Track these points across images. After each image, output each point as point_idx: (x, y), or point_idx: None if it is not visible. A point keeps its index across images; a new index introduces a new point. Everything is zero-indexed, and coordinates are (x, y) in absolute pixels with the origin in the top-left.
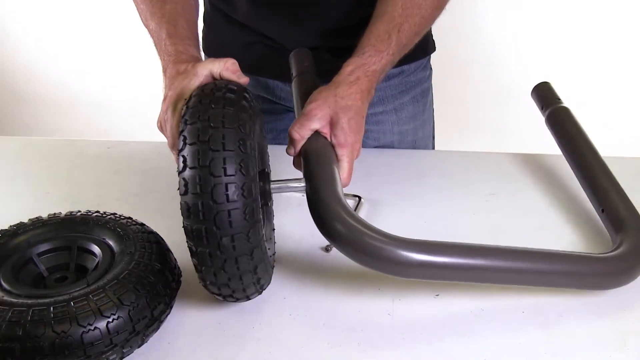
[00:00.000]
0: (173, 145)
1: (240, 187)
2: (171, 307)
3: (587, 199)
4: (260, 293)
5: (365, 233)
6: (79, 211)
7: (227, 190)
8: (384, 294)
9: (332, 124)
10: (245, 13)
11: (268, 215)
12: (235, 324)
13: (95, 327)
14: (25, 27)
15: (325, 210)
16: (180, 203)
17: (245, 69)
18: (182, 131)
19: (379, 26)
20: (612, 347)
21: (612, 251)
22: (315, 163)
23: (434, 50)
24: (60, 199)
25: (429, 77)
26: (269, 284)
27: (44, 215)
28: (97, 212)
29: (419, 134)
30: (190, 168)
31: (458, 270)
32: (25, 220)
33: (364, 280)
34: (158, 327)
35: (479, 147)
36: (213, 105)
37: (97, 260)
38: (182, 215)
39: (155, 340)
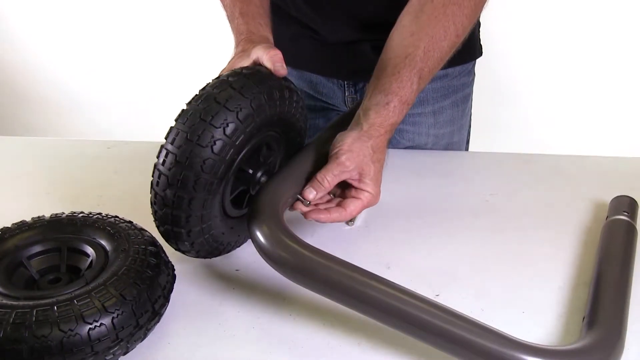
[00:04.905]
0: None
1: (203, 160)
2: (169, 301)
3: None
4: (192, 256)
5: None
6: (63, 212)
7: (203, 157)
8: None
9: (362, 174)
10: (297, 4)
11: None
12: (235, 324)
13: (101, 324)
14: (25, 27)
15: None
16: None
17: (292, 62)
18: (201, 89)
19: (402, 73)
20: None
21: (571, 344)
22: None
23: (481, 55)
24: (60, 199)
25: (471, 82)
26: (201, 256)
27: (47, 215)
28: (82, 212)
29: (454, 138)
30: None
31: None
32: (27, 220)
33: None
34: (159, 321)
35: (479, 147)
36: (233, 86)
37: (89, 259)
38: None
39: (156, 340)
